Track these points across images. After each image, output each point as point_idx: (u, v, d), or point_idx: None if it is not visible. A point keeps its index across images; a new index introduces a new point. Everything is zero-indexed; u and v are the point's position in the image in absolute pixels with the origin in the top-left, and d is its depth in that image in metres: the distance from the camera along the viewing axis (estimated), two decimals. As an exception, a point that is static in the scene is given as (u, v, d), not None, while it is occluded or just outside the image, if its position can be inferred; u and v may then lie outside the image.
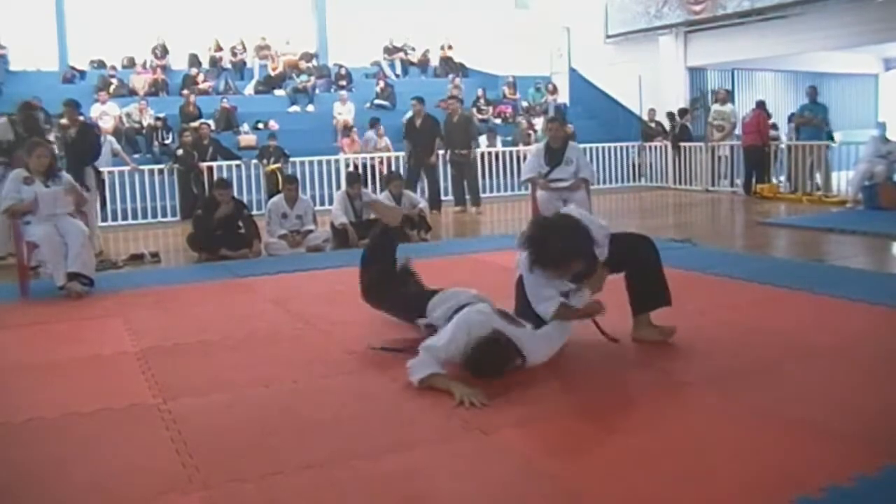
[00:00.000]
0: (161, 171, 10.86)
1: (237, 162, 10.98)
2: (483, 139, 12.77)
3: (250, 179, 10.90)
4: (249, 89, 15.23)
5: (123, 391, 3.33)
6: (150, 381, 3.46)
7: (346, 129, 12.75)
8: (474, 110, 14.31)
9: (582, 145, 8.61)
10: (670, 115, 13.28)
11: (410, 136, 10.73)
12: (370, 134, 12.44)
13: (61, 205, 5.59)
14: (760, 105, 11.57)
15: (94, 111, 12.20)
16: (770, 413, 2.84)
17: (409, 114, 11.42)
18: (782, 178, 11.64)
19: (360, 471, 2.48)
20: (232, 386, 3.37)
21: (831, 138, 11.46)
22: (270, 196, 8.87)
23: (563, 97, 16.09)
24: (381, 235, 4.28)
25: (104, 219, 10.00)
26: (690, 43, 14.21)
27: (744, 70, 15.24)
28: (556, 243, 3.25)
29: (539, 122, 14.04)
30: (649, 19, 14.46)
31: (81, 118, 8.00)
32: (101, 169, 9.86)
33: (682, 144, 12.68)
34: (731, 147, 12.16)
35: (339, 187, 10.18)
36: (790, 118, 12.47)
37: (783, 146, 11.69)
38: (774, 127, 12.21)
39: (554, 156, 7.14)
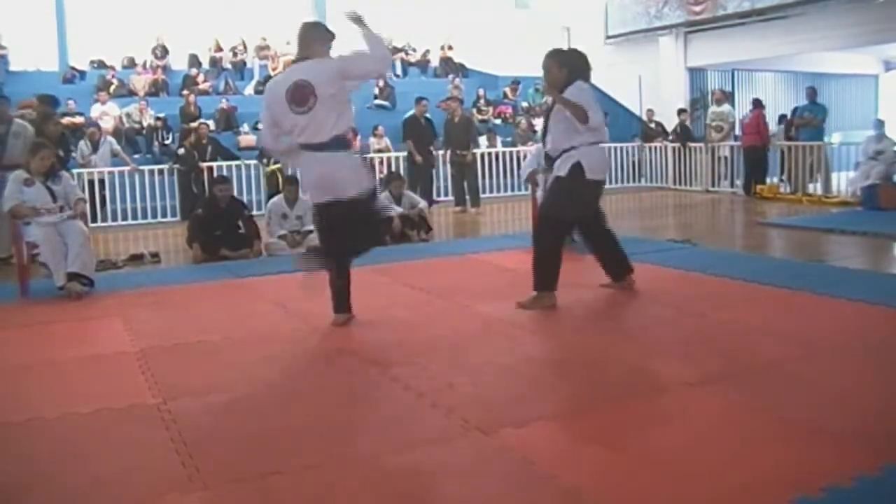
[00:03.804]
0: (161, 172, 10.85)
1: (237, 162, 10.98)
2: (483, 139, 12.77)
3: (250, 179, 10.90)
4: (249, 89, 15.21)
5: (123, 391, 3.33)
6: (150, 381, 3.46)
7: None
8: (474, 111, 14.31)
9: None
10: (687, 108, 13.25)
11: (415, 135, 10.78)
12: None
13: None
14: (758, 105, 11.54)
15: (94, 111, 12.21)
16: (770, 413, 2.84)
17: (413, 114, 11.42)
18: (779, 179, 11.63)
19: (360, 471, 2.48)
20: (232, 386, 3.37)
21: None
22: (270, 196, 8.87)
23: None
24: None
25: (104, 219, 10.00)
26: (690, 43, 14.20)
27: (744, 70, 15.24)
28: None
29: (539, 123, 14.02)
30: (649, 20, 14.46)
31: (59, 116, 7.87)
32: (96, 170, 9.91)
33: (686, 144, 12.65)
34: (732, 147, 12.15)
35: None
36: (780, 119, 12.46)
37: (778, 146, 11.67)
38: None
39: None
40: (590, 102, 4.50)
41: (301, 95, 3.94)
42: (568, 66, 4.62)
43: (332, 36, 4.16)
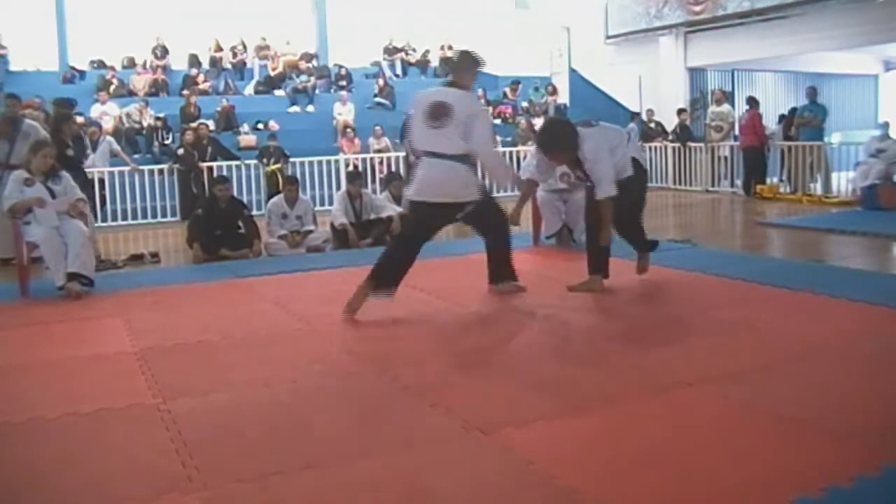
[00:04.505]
0: (161, 171, 10.85)
1: (237, 162, 10.99)
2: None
3: (250, 180, 10.90)
4: (249, 89, 15.22)
5: (123, 391, 3.33)
6: (150, 381, 3.46)
7: (346, 130, 12.75)
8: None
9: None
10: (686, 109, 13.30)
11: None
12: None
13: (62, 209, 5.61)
14: (753, 104, 11.50)
15: (94, 111, 12.20)
16: (770, 413, 2.84)
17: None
18: (776, 179, 11.63)
19: (360, 471, 2.48)
20: (232, 386, 3.37)
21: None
22: (270, 196, 8.87)
23: (563, 98, 16.10)
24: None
25: (104, 219, 10.00)
26: (690, 43, 14.20)
27: (744, 70, 15.23)
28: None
29: (539, 123, 14.03)
30: (649, 20, 14.45)
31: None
32: (96, 170, 9.91)
33: (688, 144, 12.63)
34: (731, 147, 12.15)
35: (339, 187, 10.18)
36: (780, 119, 12.47)
37: (778, 146, 11.66)
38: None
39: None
40: (605, 168, 4.76)
41: (438, 112, 4.46)
42: (563, 146, 4.83)
43: (480, 64, 4.71)
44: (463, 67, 4.67)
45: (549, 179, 6.32)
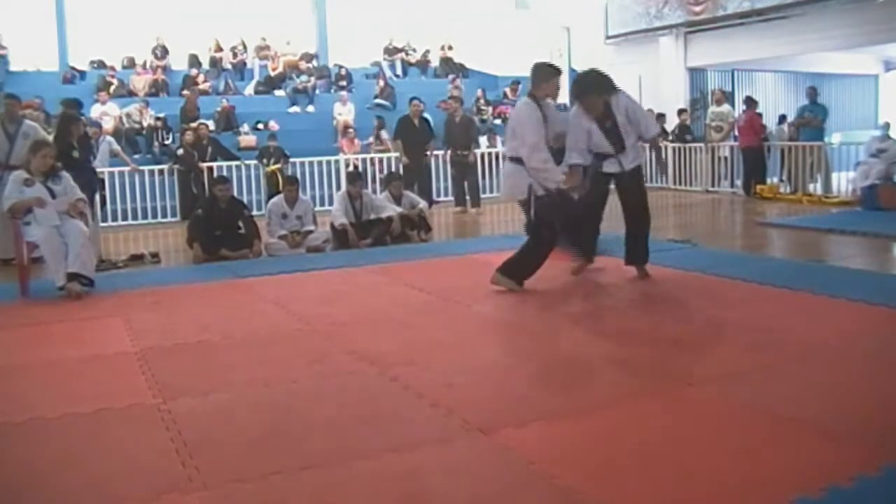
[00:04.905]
0: (161, 172, 10.86)
1: (237, 162, 10.99)
2: (483, 139, 12.77)
3: (250, 180, 10.90)
4: (249, 90, 15.22)
5: (123, 391, 3.33)
6: (150, 381, 3.46)
7: (346, 130, 12.76)
8: (475, 110, 14.30)
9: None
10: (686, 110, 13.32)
11: (406, 136, 10.76)
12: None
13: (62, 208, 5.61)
14: (751, 104, 11.49)
15: (95, 111, 12.20)
16: (770, 413, 2.84)
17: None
18: (776, 179, 11.63)
19: (360, 471, 2.48)
20: (232, 386, 3.37)
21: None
22: (271, 196, 8.88)
23: (563, 98, 16.07)
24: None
25: (104, 219, 9.99)
26: (690, 43, 14.19)
27: (744, 70, 15.22)
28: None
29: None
30: (649, 20, 14.44)
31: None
32: (98, 170, 9.89)
33: (688, 143, 12.61)
34: (731, 147, 12.15)
35: (339, 188, 10.19)
36: (781, 119, 12.45)
37: (777, 146, 11.65)
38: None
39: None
40: (645, 112, 5.43)
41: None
42: (598, 87, 5.18)
43: (551, 72, 5.16)
44: (535, 79, 5.01)
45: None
